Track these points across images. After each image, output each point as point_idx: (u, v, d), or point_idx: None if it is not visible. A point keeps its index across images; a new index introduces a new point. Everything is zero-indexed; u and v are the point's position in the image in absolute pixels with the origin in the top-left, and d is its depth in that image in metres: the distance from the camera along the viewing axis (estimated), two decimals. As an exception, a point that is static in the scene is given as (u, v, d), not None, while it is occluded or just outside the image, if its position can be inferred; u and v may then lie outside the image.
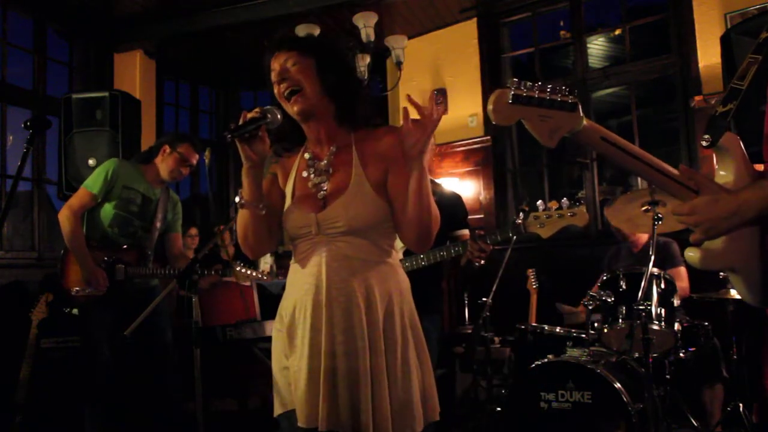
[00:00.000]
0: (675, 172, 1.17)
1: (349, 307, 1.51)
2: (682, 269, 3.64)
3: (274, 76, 1.59)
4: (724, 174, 1.21)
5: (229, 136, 1.48)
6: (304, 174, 1.63)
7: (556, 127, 1.12)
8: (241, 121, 1.52)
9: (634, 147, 1.16)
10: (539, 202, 2.45)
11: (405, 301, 1.60)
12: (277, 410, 1.60)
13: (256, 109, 1.55)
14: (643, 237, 3.79)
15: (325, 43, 1.70)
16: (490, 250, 2.46)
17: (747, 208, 1.12)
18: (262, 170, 1.60)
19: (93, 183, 3.03)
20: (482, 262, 2.54)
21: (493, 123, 1.14)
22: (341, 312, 1.51)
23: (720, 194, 1.14)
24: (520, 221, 3.18)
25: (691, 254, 1.19)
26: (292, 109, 1.58)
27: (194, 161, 3.16)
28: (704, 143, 1.18)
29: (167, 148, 3.11)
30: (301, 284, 1.57)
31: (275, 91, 1.59)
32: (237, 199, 1.59)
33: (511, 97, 1.09)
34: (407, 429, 1.49)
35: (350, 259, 1.53)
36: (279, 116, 1.57)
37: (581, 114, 1.12)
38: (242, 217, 1.61)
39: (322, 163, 1.61)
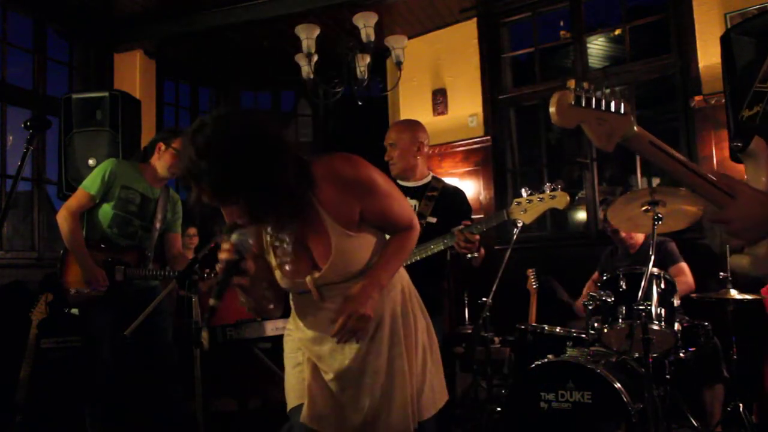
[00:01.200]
0: (712, 177, 1.17)
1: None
2: (684, 265, 3.65)
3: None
4: (753, 179, 1.22)
5: (215, 303, 1.40)
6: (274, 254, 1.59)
7: (611, 131, 1.12)
8: (218, 268, 1.43)
9: (678, 153, 1.17)
10: (524, 189, 2.48)
11: (407, 288, 1.68)
12: (292, 403, 1.63)
13: (225, 246, 1.42)
14: (639, 238, 3.79)
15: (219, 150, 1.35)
16: (475, 240, 2.45)
17: None
18: (255, 289, 1.56)
19: (91, 184, 3.03)
20: (476, 255, 2.52)
21: (555, 124, 1.13)
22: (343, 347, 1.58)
23: (759, 198, 1.14)
24: (520, 223, 3.20)
25: (740, 261, 1.19)
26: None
27: None
28: (734, 149, 1.18)
29: (162, 146, 3.11)
30: (303, 317, 1.65)
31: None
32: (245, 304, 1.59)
33: (573, 99, 1.09)
34: (428, 411, 1.61)
35: (346, 289, 1.55)
36: (250, 241, 1.43)
37: (633, 119, 1.13)
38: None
39: (286, 247, 1.56)
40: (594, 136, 1.11)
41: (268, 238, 1.58)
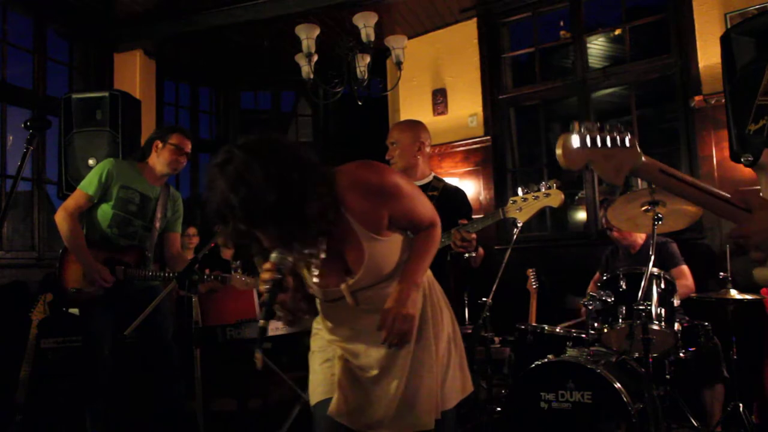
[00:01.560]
0: (725, 195, 1.18)
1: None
2: (685, 268, 3.64)
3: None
4: (766, 191, 1.23)
5: (262, 355, 1.43)
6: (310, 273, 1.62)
7: (619, 165, 1.14)
8: (261, 299, 1.47)
9: (688, 176, 1.19)
10: (519, 188, 2.49)
11: (429, 281, 1.72)
12: (316, 398, 1.67)
13: (267, 266, 1.45)
14: (640, 238, 3.78)
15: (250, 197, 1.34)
16: (471, 239, 2.46)
17: None
18: (297, 295, 1.60)
19: (88, 184, 3.02)
20: (474, 254, 2.53)
21: (563, 168, 1.16)
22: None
23: None
24: (520, 223, 3.20)
25: (761, 274, 1.22)
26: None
27: (188, 148, 3.17)
28: (746, 163, 1.20)
29: (159, 143, 3.12)
30: (336, 324, 1.69)
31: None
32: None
33: (579, 141, 1.11)
34: (451, 401, 1.65)
35: (382, 296, 1.58)
36: (289, 258, 1.46)
37: (639, 150, 1.14)
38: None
39: (318, 259, 1.56)
40: (603, 174, 1.13)
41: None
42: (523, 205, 2.45)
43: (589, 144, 1.11)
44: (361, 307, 1.60)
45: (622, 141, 1.13)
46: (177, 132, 3.16)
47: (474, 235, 2.47)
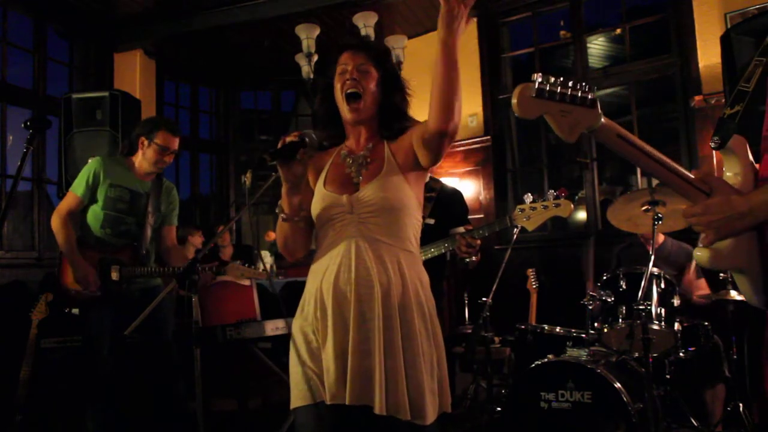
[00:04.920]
0: (688, 174, 1.19)
1: (386, 286, 1.57)
2: (702, 280, 3.61)
3: (342, 70, 1.69)
4: (731, 175, 1.24)
5: (271, 159, 1.57)
6: (343, 161, 1.73)
7: (575, 123, 1.14)
8: (280, 145, 1.61)
9: (649, 147, 1.17)
10: (527, 195, 2.47)
11: (426, 291, 1.68)
12: (296, 403, 1.62)
13: (294, 133, 1.63)
14: (659, 238, 3.70)
15: (391, 63, 1.82)
16: (477, 245, 2.46)
17: (759, 209, 1.14)
18: (300, 189, 1.69)
19: (77, 186, 3.00)
20: (474, 258, 2.52)
21: (517, 116, 1.16)
22: (372, 291, 1.57)
23: (732, 195, 1.17)
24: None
25: (700, 254, 1.22)
26: (347, 113, 1.69)
27: (175, 146, 3.06)
28: (713, 145, 1.21)
29: (144, 141, 3.03)
30: (328, 263, 1.63)
31: (337, 84, 1.69)
32: (277, 211, 1.70)
33: (535, 91, 1.10)
34: (417, 418, 1.53)
35: (379, 242, 1.61)
36: (315, 138, 1.65)
37: (599, 111, 1.14)
38: (282, 227, 1.73)
39: (360, 155, 1.71)
40: (556, 127, 1.13)
41: (343, 153, 1.75)
42: (532, 214, 2.44)
43: (546, 97, 1.11)
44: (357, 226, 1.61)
45: (583, 99, 1.13)
46: (162, 129, 3.02)
47: (479, 241, 2.47)
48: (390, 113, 1.73)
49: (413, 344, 1.57)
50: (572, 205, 2.42)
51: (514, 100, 1.12)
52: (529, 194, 2.48)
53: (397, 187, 1.65)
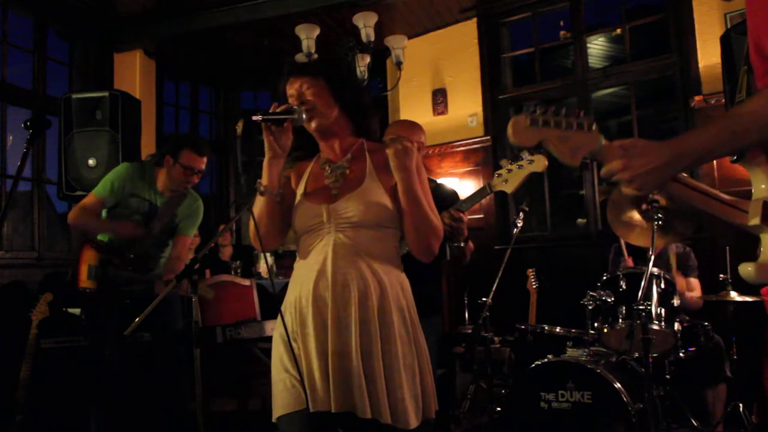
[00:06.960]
0: (706, 188, 1.17)
1: (363, 290, 1.57)
2: (695, 281, 3.60)
3: (292, 101, 1.71)
4: (762, 186, 1.20)
5: (261, 118, 1.62)
6: (322, 169, 1.74)
7: (576, 147, 1.14)
8: (271, 110, 1.65)
9: None
10: (502, 160, 2.42)
11: (407, 296, 1.67)
12: (278, 412, 1.60)
13: (285, 105, 1.68)
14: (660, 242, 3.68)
15: (333, 64, 1.85)
16: (460, 217, 2.39)
17: (683, 154, 1.11)
18: (282, 162, 1.71)
19: (102, 189, 2.98)
20: (463, 243, 2.45)
21: (514, 145, 1.17)
22: (350, 295, 1.56)
23: (652, 144, 1.14)
24: (520, 223, 3.18)
25: (748, 269, 1.16)
26: (311, 127, 1.71)
27: (201, 166, 3.00)
28: (731, 160, 1.19)
29: (170, 160, 2.97)
30: (307, 272, 1.63)
31: None
32: (256, 186, 1.69)
33: (529, 120, 1.11)
34: (399, 422, 1.52)
35: (357, 247, 1.61)
36: (304, 116, 1.68)
37: (599, 133, 1.13)
38: (258, 205, 1.70)
39: (339, 164, 1.72)
40: (558, 154, 1.13)
41: (321, 161, 1.76)
42: (509, 177, 2.38)
43: (541, 124, 1.12)
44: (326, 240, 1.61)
45: (579, 125, 1.13)
46: (188, 148, 2.94)
47: (465, 217, 2.42)
48: (351, 110, 1.75)
49: (392, 348, 1.56)
50: (546, 160, 2.30)
51: (509, 131, 1.13)
52: (505, 159, 2.44)
53: (377, 199, 1.64)
